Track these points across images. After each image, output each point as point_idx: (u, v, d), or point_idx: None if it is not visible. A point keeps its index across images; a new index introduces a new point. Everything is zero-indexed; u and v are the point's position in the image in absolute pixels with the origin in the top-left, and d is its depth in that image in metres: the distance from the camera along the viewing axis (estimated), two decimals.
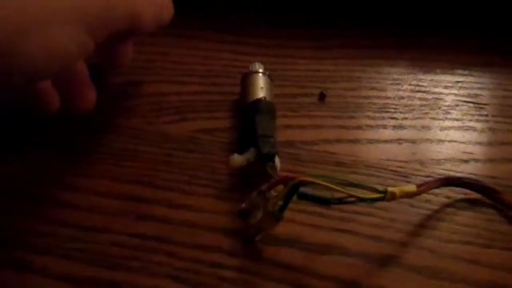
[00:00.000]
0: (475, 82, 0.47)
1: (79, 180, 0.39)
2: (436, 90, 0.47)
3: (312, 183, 0.31)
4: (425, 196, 0.36)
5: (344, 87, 0.47)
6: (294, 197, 0.32)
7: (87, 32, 0.32)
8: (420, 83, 0.47)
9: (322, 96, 0.45)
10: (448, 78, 0.48)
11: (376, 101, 0.45)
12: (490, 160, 0.41)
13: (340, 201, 0.31)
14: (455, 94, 0.46)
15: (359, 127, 0.43)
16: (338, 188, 0.31)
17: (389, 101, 0.46)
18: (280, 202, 0.32)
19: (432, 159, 0.40)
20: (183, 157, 0.40)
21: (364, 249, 0.34)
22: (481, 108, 0.45)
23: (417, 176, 0.39)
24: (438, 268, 0.33)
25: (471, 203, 0.37)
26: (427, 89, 0.47)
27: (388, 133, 0.43)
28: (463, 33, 0.52)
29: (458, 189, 0.38)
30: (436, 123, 0.43)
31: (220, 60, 0.50)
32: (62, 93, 0.38)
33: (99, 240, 0.35)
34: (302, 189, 0.31)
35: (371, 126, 0.43)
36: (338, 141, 0.42)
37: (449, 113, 0.44)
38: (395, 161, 0.40)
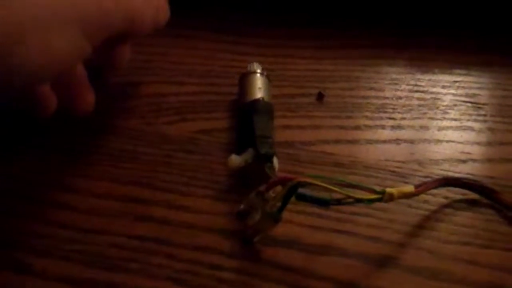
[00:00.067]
0: (473, 82, 0.48)
1: (78, 181, 0.39)
2: (434, 90, 0.47)
3: (311, 184, 0.31)
4: (423, 196, 0.36)
5: (342, 87, 0.47)
6: (293, 198, 0.32)
7: (84, 35, 0.32)
8: (418, 83, 0.47)
9: (320, 96, 0.45)
10: (446, 78, 0.48)
11: (374, 101, 0.46)
12: (489, 160, 0.41)
13: (339, 202, 0.31)
14: (453, 94, 0.46)
15: (357, 127, 0.43)
16: (337, 189, 0.31)
17: (387, 101, 0.46)
18: (279, 203, 0.32)
19: (431, 159, 0.40)
20: (182, 158, 0.40)
21: (362, 250, 0.34)
22: (479, 108, 0.45)
23: (415, 177, 0.39)
24: (437, 269, 0.33)
25: (470, 204, 0.37)
26: (425, 89, 0.47)
27: (386, 133, 0.43)
28: (461, 33, 0.52)
29: (456, 189, 0.38)
30: (434, 123, 0.44)
31: (218, 60, 0.50)
32: (61, 95, 0.38)
33: (98, 241, 0.35)
34: (301, 190, 0.31)
35: (369, 126, 0.43)
36: (337, 141, 0.42)
37: (447, 113, 0.44)
38: (393, 161, 0.40)
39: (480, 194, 0.37)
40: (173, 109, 0.45)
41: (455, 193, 0.38)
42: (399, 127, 0.43)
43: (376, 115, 0.44)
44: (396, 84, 0.47)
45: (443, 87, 0.47)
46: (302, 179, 0.31)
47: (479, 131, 0.43)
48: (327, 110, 0.45)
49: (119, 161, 0.40)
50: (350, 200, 0.31)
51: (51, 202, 0.37)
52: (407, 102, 0.45)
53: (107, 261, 0.34)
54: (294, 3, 0.56)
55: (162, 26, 0.41)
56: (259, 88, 0.42)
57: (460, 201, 0.37)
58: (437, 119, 0.44)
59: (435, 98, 0.46)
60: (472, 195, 0.37)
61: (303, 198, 0.31)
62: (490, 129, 0.43)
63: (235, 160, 0.37)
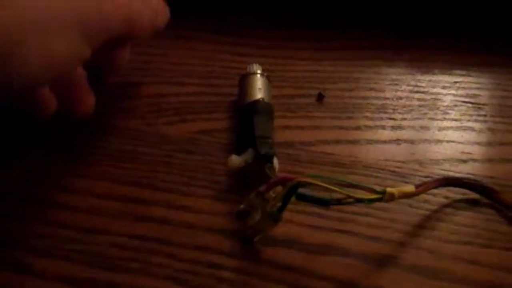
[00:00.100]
0: (473, 82, 0.48)
1: (78, 181, 0.39)
2: (435, 90, 0.47)
3: (311, 184, 0.31)
4: (423, 196, 0.36)
5: (342, 88, 0.47)
6: (293, 198, 0.31)
7: (84, 39, 0.32)
8: (418, 84, 0.47)
9: (320, 97, 0.45)
10: (446, 79, 0.48)
11: (374, 101, 0.46)
12: (489, 160, 0.41)
13: (339, 202, 0.31)
14: (454, 95, 0.46)
15: (357, 128, 0.43)
16: (337, 189, 0.31)
17: (387, 101, 0.46)
18: (279, 203, 0.32)
19: (431, 160, 0.40)
20: (182, 159, 0.40)
21: (362, 249, 0.34)
22: (479, 108, 0.45)
23: (415, 177, 0.39)
24: (437, 269, 0.33)
25: (470, 203, 0.37)
26: (425, 89, 0.47)
27: (386, 134, 0.43)
28: (461, 34, 0.52)
29: (456, 189, 0.38)
30: (435, 123, 0.44)
31: (218, 61, 0.50)
32: (61, 97, 0.38)
33: (98, 241, 0.35)
34: (301, 190, 0.31)
35: (369, 127, 0.43)
36: (337, 141, 0.42)
37: (447, 113, 0.44)
38: (394, 161, 0.40)
39: (480, 194, 0.37)
40: (173, 110, 0.45)
41: (456, 193, 0.38)
42: (400, 127, 0.43)
43: (376, 115, 0.44)
44: (396, 84, 0.47)
45: (444, 87, 0.47)
46: (302, 179, 0.31)
47: (480, 131, 0.43)
48: (327, 111, 0.45)
49: (119, 161, 0.40)
50: (351, 200, 0.31)
51: (51, 202, 0.37)
52: (407, 103, 0.45)
53: (107, 261, 0.34)
54: (294, 4, 0.56)
55: (162, 28, 0.41)
56: (259, 88, 0.42)
57: (461, 201, 0.37)
58: (437, 119, 0.44)
59: (435, 99, 0.46)
60: (473, 195, 0.37)
61: (303, 198, 0.31)
62: (490, 130, 0.43)
63: (235, 160, 0.37)
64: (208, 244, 0.35)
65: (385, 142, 0.42)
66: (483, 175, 0.39)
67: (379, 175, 0.39)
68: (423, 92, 0.46)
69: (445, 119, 0.44)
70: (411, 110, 0.45)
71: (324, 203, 0.31)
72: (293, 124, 0.43)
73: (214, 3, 0.57)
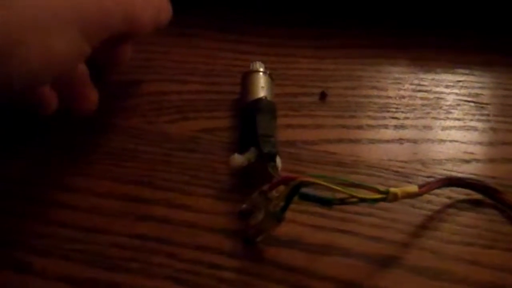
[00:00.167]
0: (476, 82, 0.47)
1: (78, 180, 0.39)
2: (438, 89, 0.47)
3: (314, 183, 0.31)
4: (426, 196, 0.36)
5: (345, 86, 0.47)
6: (295, 198, 0.31)
7: (84, 37, 0.32)
8: (421, 83, 0.47)
9: (323, 96, 0.45)
10: (449, 78, 0.48)
11: (377, 100, 0.45)
12: (492, 160, 0.41)
13: (342, 201, 0.31)
14: (456, 94, 0.46)
15: (360, 127, 0.43)
16: (340, 189, 0.31)
17: (390, 100, 0.45)
18: (282, 203, 0.32)
19: (434, 159, 0.40)
20: (183, 157, 0.40)
21: (365, 250, 0.34)
22: (482, 107, 0.45)
23: (418, 176, 0.39)
24: (440, 269, 0.33)
25: (473, 204, 0.37)
26: (428, 88, 0.47)
27: (389, 133, 0.42)
28: (464, 33, 0.52)
29: (459, 189, 0.37)
30: (438, 122, 0.43)
31: (220, 59, 0.49)
32: (64, 94, 0.38)
33: (99, 241, 0.35)
34: (304, 190, 0.31)
35: (372, 126, 0.43)
36: (339, 141, 0.42)
37: (450, 112, 0.44)
38: (396, 161, 0.40)
39: (483, 194, 0.37)
40: (174, 108, 0.44)
41: (459, 193, 0.37)
42: (402, 126, 0.43)
43: (379, 114, 0.44)
44: (399, 83, 0.47)
45: (446, 86, 0.47)
46: (305, 179, 0.31)
47: (482, 131, 0.43)
48: (330, 110, 0.45)
49: (120, 160, 0.40)
50: (354, 199, 0.31)
51: (51, 201, 0.37)
52: (410, 102, 0.45)
53: (108, 261, 0.34)
54: (296, 2, 0.56)
55: (164, 25, 0.41)
56: (262, 87, 0.41)
57: (464, 201, 0.37)
58: (440, 118, 0.44)
59: (438, 98, 0.46)
60: (476, 195, 0.37)
61: (306, 198, 0.31)
62: (493, 129, 0.43)
63: (238, 159, 0.37)
64: (209, 244, 0.34)
65: (387, 141, 0.42)
66: (486, 175, 0.39)
67: (381, 174, 0.39)
68: (426, 91, 0.46)
69: (448, 118, 0.44)
70: (414, 109, 0.44)
71: (327, 202, 0.31)
72: (295, 123, 0.43)
73: (217, 1, 0.56)
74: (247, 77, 0.43)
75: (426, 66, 0.49)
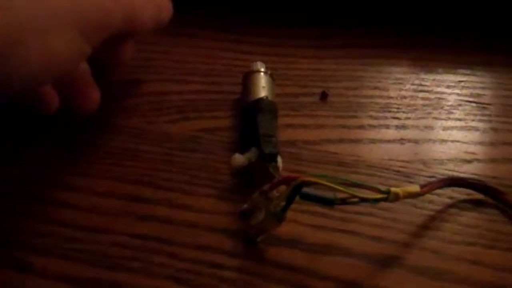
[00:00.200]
0: (477, 82, 0.47)
1: (79, 180, 0.38)
2: (439, 89, 0.46)
3: (315, 183, 0.31)
4: (428, 196, 0.36)
5: (346, 87, 0.47)
6: (296, 198, 0.31)
7: (84, 37, 0.32)
8: (422, 83, 0.47)
9: (324, 96, 0.45)
10: (450, 78, 0.48)
11: (378, 100, 0.45)
12: (493, 160, 0.40)
13: (343, 201, 0.31)
14: (458, 94, 0.46)
15: (361, 127, 0.43)
16: (341, 189, 0.30)
17: (391, 100, 0.45)
18: (283, 203, 0.32)
19: (435, 159, 0.40)
20: (184, 157, 0.40)
21: (366, 250, 0.34)
22: (483, 108, 0.45)
23: (419, 176, 0.39)
24: (441, 269, 0.33)
25: (474, 204, 0.37)
26: (429, 88, 0.46)
27: (390, 133, 0.42)
28: (465, 33, 0.52)
29: (461, 189, 0.37)
30: (439, 123, 0.43)
31: (221, 59, 0.49)
32: (66, 93, 0.38)
33: (99, 240, 0.34)
34: (305, 190, 0.31)
35: (373, 126, 0.43)
36: (340, 141, 0.42)
37: (451, 113, 0.44)
38: (398, 161, 0.40)
39: (484, 194, 0.37)
40: (175, 108, 0.44)
41: (460, 193, 0.37)
42: (404, 126, 0.43)
43: (380, 114, 0.44)
44: (400, 83, 0.47)
45: (448, 87, 0.47)
46: (306, 179, 0.31)
47: (484, 131, 0.43)
48: (331, 109, 0.44)
49: (120, 159, 0.40)
50: (355, 199, 0.31)
51: (51, 201, 0.37)
52: (411, 102, 0.45)
53: (109, 260, 0.33)
54: (296, 2, 0.56)
55: (165, 24, 0.41)
56: (263, 87, 0.41)
57: (465, 201, 0.37)
58: (441, 119, 0.44)
59: (439, 98, 0.46)
60: (477, 195, 0.37)
61: (307, 198, 0.31)
62: (494, 129, 0.43)
63: (239, 159, 0.37)
64: (210, 243, 0.34)
65: (389, 141, 0.42)
66: (487, 175, 0.39)
67: (382, 174, 0.39)
68: (427, 91, 0.46)
69: (449, 118, 0.44)
70: (415, 109, 0.44)
71: (328, 202, 0.31)
72: (296, 123, 0.43)
73: (217, 1, 0.56)
74: (248, 77, 0.43)
75: (427, 66, 0.49)
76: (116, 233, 0.35)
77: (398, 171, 0.39)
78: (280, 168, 0.36)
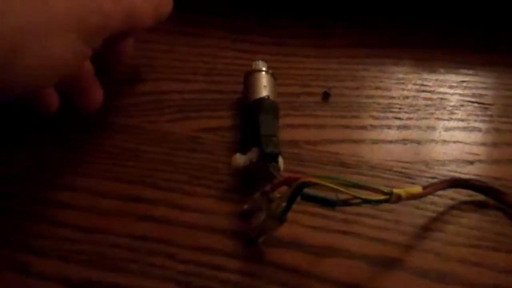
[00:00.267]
0: (480, 82, 0.47)
1: (78, 179, 0.38)
2: (441, 90, 0.46)
3: (316, 184, 0.30)
4: (430, 198, 0.36)
5: (348, 86, 0.46)
6: (298, 198, 0.31)
7: (83, 40, 0.32)
8: (425, 83, 0.47)
9: (326, 96, 0.45)
10: (453, 78, 0.47)
11: (380, 100, 0.45)
12: (496, 161, 0.40)
13: (345, 203, 0.31)
14: (460, 94, 0.46)
15: (363, 127, 0.43)
16: (343, 190, 0.30)
17: (393, 100, 0.45)
18: (284, 204, 0.32)
19: (437, 160, 0.40)
20: (184, 157, 0.40)
21: (367, 251, 0.34)
22: (486, 108, 0.44)
23: (422, 177, 0.39)
24: (443, 272, 0.33)
25: (477, 205, 0.37)
26: (432, 89, 0.46)
27: (392, 133, 0.42)
28: (467, 33, 0.52)
29: (463, 190, 0.37)
30: (441, 123, 0.43)
31: (223, 58, 0.49)
32: (69, 92, 0.38)
33: (99, 241, 0.34)
34: (306, 191, 0.31)
35: (375, 126, 0.43)
36: (342, 141, 0.41)
37: (454, 113, 0.44)
38: (400, 162, 0.40)
39: (487, 195, 0.37)
40: (176, 107, 0.44)
41: (462, 195, 0.37)
42: (406, 127, 0.43)
43: (382, 114, 0.44)
44: (402, 83, 0.47)
45: (450, 87, 0.46)
46: (308, 179, 0.30)
47: (486, 131, 0.43)
48: (332, 110, 0.44)
49: (120, 159, 0.40)
50: (357, 200, 0.31)
51: (50, 201, 0.37)
52: (413, 102, 0.45)
53: (107, 262, 0.33)
54: (298, 2, 0.56)
55: (165, 18, 0.41)
56: (264, 86, 0.41)
57: (467, 202, 0.37)
58: (444, 119, 0.43)
59: (442, 98, 0.45)
60: (479, 197, 0.37)
61: (309, 199, 0.31)
62: (497, 130, 0.43)
63: (240, 159, 0.36)
64: (210, 245, 0.34)
65: (391, 142, 0.41)
66: (490, 176, 0.39)
67: (384, 175, 0.39)
68: (429, 92, 0.46)
69: (451, 119, 0.43)
70: (418, 109, 0.44)
71: (330, 204, 0.31)
72: (297, 123, 0.43)
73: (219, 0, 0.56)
74: (250, 76, 0.42)
75: (429, 66, 0.48)
76: (115, 234, 0.35)
77: (400, 172, 0.39)
78: (281, 169, 0.36)
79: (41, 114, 0.39)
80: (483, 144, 0.42)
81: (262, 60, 0.44)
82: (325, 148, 0.41)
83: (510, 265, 0.34)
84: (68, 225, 0.35)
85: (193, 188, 0.38)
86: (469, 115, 0.44)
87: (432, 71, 0.48)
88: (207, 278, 0.33)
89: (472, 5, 0.54)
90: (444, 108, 0.44)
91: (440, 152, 0.41)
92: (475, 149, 0.41)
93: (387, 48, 0.50)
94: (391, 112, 0.44)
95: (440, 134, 0.42)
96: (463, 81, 0.47)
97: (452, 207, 0.37)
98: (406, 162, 0.40)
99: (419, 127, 0.43)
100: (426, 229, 0.35)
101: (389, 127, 0.43)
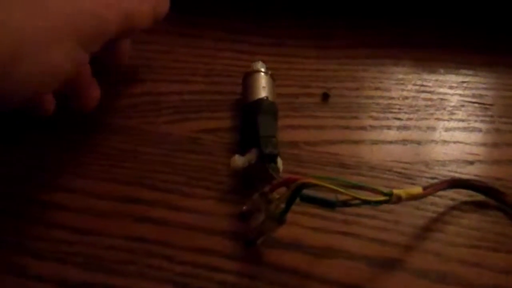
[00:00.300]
0: (480, 82, 0.47)
1: (76, 181, 0.38)
2: (441, 90, 0.46)
3: (316, 185, 0.30)
4: (430, 198, 0.36)
5: (347, 87, 0.46)
6: (297, 199, 0.31)
7: (81, 46, 0.32)
8: (424, 83, 0.47)
9: (325, 96, 0.45)
10: (453, 78, 0.47)
11: (380, 101, 0.45)
12: (496, 162, 0.40)
13: (345, 204, 0.31)
14: (460, 95, 0.46)
15: (362, 128, 0.43)
16: (342, 191, 0.30)
17: (393, 101, 0.45)
18: (283, 205, 0.31)
19: (437, 161, 0.40)
20: (183, 158, 0.40)
21: (367, 252, 0.34)
22: (486, 108, 0.44)
23: (422, 178, 0.39)
24: (444, 272, 0.33)
25: (477, 206, 0.37)
26: (432, 89, 0.46)
27: (392, 134, 0.42)
28: (468, 33, 0.52)
29: (463, 191, 0.37)
30: (441, 124, 0.43)
31: (221, 59, 0.49)
32: (66, 92, 0.38)
33: (96, 243, 0.34)
34: (306, 192, 0.31)
35: (375, 127, 0.43)
36: (342, 142, 0.41)
37: (454, 113, 0.44)
38: (400, 162, 0.40)
39: (487, 196, 0.37)
40: (174, 108, 0.44)
41: (463, 195, 0.37)
42: (406, 127, 0.42)
43: (382, 115, 0.44)
44: (402, 84, 0.46)
45: (450, 87, 0.46)
46: (307, 180, 0.30)
47: (487, 132, 0.42)
48: (332, 110, 0.44)
49: (118, 160, 0.40)
50: (357, 201, 0.30)
51: (46, 202, 0.37)
52: (413, 103, 0.45)
53: (105, 264, 0.33)
54: (298, 2, 0.56)
55: (162, 18, 0.41)
56: (263, 87, 0.41)
57: (467, 203, 0.37)
58: (444, 119, 0.43)
59: (442, 99, 0.45)
60: (480, 197, 0.37)
61: (308, 200, 0.31)
62: (497, 130, 0.43)
63: (238, 160, 0.36)
64: (209, 246, 0.34)
65: (390, 142, 0.41)
66: (490, 176, 0.39)
67: (384, 176, 0.39)
68: (429, 92, 0.46)
69: (451, 119, 0.43)
70: (417, 110, 0.44)
71: (329, 205, 0.31)
72: (297, 124, 0.43)
73: (218, 0, 0.56)
74: (248, 77, 0.42)
75: (429, 66, 0.48)
76: (113, 236, 0.35)
77: (400, 173, 0.39)
78: (281, 170, 0.36)
79: (37, 116, 0.39)
80: (484, 144, 0.41)
81: (261, 60, 0.44)
82: (324, 149, 0.41)
83: (510, 265, 0.34)
84: (65, 226, 0.35)
85: (192, 189, 0.38)
86: (469, 115, 0.44)
87: (432, 71, 0.48)
88: (205, 279, 0.32)
89: (472, 5, 0.54)
90: (444, 109, 0.44)
91: (440, 152, 0.41)
92: (476, 150, 0.41)
93: (387, 49, 0.50)
94: (391, 112, 0.44)
95: (440, 134, 0.42)
96: (463, 82, 0.47)
97: (452, 208, 0.37)
98: (406, 162, 0.40)
99: (419, 128, 0.42)
100: (426, 230, 0.35)
101: (389, 127, 0.42)
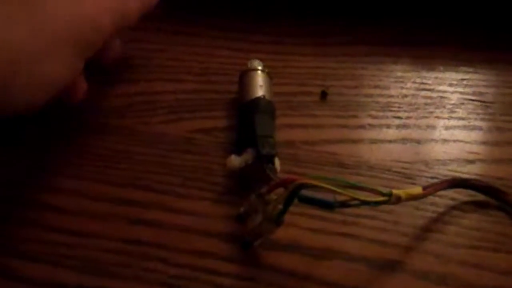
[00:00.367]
0: (480, 80, 0.46)
1: (69, 182, 0.38)
2: (441, 88, 0.46)
3: (314, 185, 0.30)
4: (430, 198, 0.36)
5: (346, 85, 0.46)
6: (295, 200, 0.31)
7: (78, 55, 0.34)
8: (424, 81, 0.46)
9: (323, 95, 0.44)
10: (452, 76, 0.47)
11: (379, 99, 0.44)
12: (497, 161, 0.40)
13: (344, 204, 0.30)
14: (460, 92, 0.45)
15: (361, 127, 0.42)
16: (341, 191, 0.30)
17: (392, 99, 0.44)
18: (280, 206, 0.31)
19: (437, 160, 0.40)
20: (178, 159, 0.40)
21: (367, 253, 0.34)
22: (487, 106, 0.44)
23: (422, 177, 0.38)
24: (444, 273, 0.33)
25: (478, 205, 0.37)
26: (431, 87, 0.46)
27: (391, 133, 0.42)
28: (467, 30, 0.51)
29: (464, 190, 0.37)
30: (441, 122, 0.43)
31: (217, 57, 0.48)
32: None
33: (90, 246, 0.34)
34: (304, 192, 0.30)
35: (374, 126, 0.42)
36: (340, 141, 0.41)
37: (454, 111, 0.43)
38: (399, 161, 0.39)
39: (488, 195, 0.37)
40: (169, 108, 0.44)
41: (463, 195, 0.37)
42: (405, 126, 0.42)
43: (381, 114, 0.43)
44: (401, 82, 0.46)
45: (450, 85, 0.46)
46: (305, 181, 0.30)
47: (487, 130, 0.42)
48: (330, 109, 0.44)
49: (112, 161, 0.39)
50: (356, 202, 0.30)
51: (40, 204, 0.37)
52: (413, 101, 0.44)
53: (99, 267, 0.33)
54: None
55: (153, 8, 0.41)
56: (260, 85, 0.41)
57: (468, 202, 0.37)
58: (444, 118, 0.43)
59: (441, 97, 0.45)
60: (480, 197, 0.37)
61: (306, 201, 0.30)
62: (498, 128, 0.42)
63: (235, 160, 0.36)
64: (205, 248, 0.34)
65: (390, 141, 0.41)
66: (491, 176, 0.39)
67: (384, 175, 0.39)
68: (429, 90, 0.45)
69: (451, 117, 0.43)
70: (417, 108, 0.44)
71: (328, 205, 0.30)
72: (295, 123, 0.42)
73: None
74: (245, 75, 0.42)
75: (429, 64, 0.48)
76: (107, 238, 0.35)
77: (399, 172, 0.39)
78: (278, 170, 0.36)
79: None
80: (484, 143, 0.41)
81: (258, 58, 0.43)
82: (323, 149, 0.40)
83: (510, 266, 0.33)
84: (58, 229, 0.35)
85: (187, 190, 0.37)
86: (469, 113, 0.43)
87: (432, 69, 0.47)
88: (201, 282, 0.32)
89: (472, 2, 0.54)
90: (444, 107, 0.44)
91: (440, 151, 0.40)
92: (476, 148, 0.41)
93: (386, 46, 0.50)
94: (390, 111, 0.43)
95: (440, 133, 0.42)
96: (463, 79, 0.46)
97: (453, 208, 0.36)
98: (405, 162, 0.39)
99: (418, 126, 0.42)
100: (426, 230, 0.35)
101: (388, 126, 0.42)
